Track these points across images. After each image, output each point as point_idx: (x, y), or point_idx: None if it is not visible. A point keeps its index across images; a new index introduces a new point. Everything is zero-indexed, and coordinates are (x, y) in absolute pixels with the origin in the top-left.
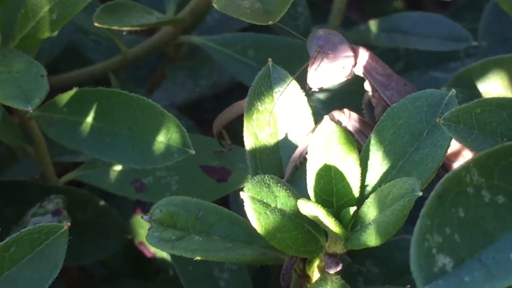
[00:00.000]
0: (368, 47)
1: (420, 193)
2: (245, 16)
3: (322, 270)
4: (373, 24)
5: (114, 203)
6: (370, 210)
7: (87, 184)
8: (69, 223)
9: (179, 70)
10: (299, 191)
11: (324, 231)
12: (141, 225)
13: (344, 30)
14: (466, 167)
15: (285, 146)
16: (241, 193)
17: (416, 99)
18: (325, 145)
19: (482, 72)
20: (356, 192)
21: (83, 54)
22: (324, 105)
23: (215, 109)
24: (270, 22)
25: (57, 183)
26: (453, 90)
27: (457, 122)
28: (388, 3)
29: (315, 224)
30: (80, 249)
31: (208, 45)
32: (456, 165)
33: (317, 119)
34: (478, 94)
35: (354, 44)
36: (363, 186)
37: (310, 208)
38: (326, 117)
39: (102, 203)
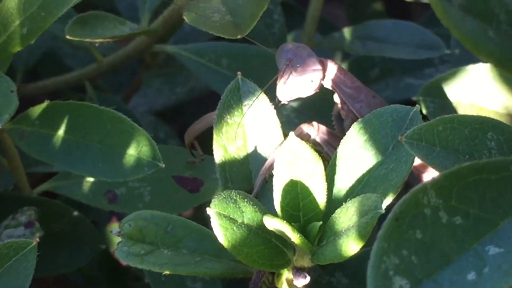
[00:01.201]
0: (344, 54)
1: (383, 211)
2: (214, 30)
3: (290, 283)
4: (347, 32)
5: (90, 211)
6: (335, 226)
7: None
8: (37, 239)
9: (156, 78)
10: (269, 204)
11: (291, 245)
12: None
13: (321, 36)
14: (423, 188)
15: (254, 159)
16: (207, 209)
17: (381, 115)
18: (290, 161)
19: (453, 81)
20: (322, 207)
21: (61, 61)
22: (297, 113)
23: (195, 113)
24: (239, 36)
25: (31, 194)
26: (417, 106)
27: (419, 139)
28: (368, 5)
29: (282, 239)
30: (55, 259)
31: (182, 54)
32: (426, 175)
33: (290, 127)
34: (449, 103)
35: (330, 51)
36: (329, 201)
37: (275, 224)
38: (291, 133)
39: (76, 213)
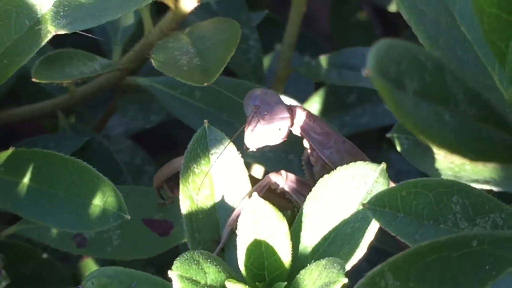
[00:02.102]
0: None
1: (346, 280)
2: (181, 76)
3: None
4: (323, 60)
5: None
6: None
7: None
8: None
9: (130, 103)
10: (236, 256)
11: None
12: (89, 269)
13: (299, 56)
14: (380, 271)
15: (222, 208)
16: (169, 272)
17: (347, 172)
18: (254, 221)
19: None
20: (287, 265)
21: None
22: (271, 147)
23: (178, 126)
24: (205, 84)
25: None
26: (383, 163)
27: (383, 206)
28: (352, 15)
29: None
30: None
31: (153, 87)
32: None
33: (265, 161)
34: (423, 140)
35: (307, 79)
36: (295, 258)
37: None
38: (254, 193)
39: (44, 255)
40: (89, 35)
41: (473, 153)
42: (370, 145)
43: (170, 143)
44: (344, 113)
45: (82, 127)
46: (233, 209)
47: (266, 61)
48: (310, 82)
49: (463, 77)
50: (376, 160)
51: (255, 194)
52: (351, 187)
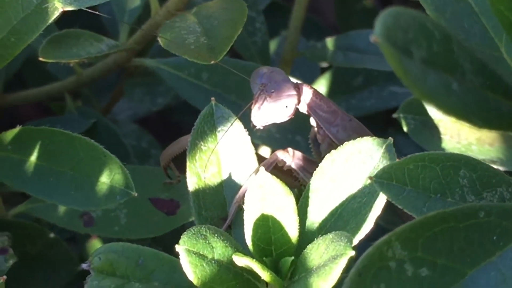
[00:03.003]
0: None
1: (353, 253)
2: (188, 55)
3: None
4: (329, 42)
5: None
6: (307, 262)
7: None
8: (5, 276)
9: (137, 87)
10: (243, 233)
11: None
12: None
13: (305, 40)
14: (387, 241)
15: (229, 186)
16: (176, 246)
17: (354, 148)
18: (261, 196)
19: None
20: (294, 241)
21: (44, 67)
22: (278, 128)
23: (184, 111)
24: (212, 62)
25: (5, 216)
26: (390, 138)
27: (390, 179)
28: (358, 2)
29: (253, 273)
30: (30, 282)
31: (160, 68)
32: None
33: (271, 142)
34: (430, 120)
35: (310, 62)
36: (302, 234)
37: (245, 262)
38: (261, 168)
39: (52, 235)
40: (96, 12)
41: (481, 120)
42: (376, 129)
43: (176, 129)
44: (351, 96)
45: (89, 109)
46: (240, 187)
47: (273, 45)
48: (316, 66)
49: (470, 47)
50: None
51: (262, 169)
52: (358, 162)
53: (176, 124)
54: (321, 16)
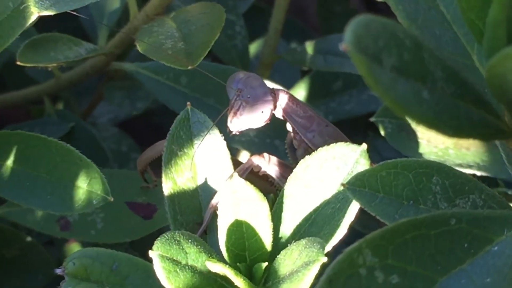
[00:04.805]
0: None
1: (325, 259)
2: (165, 60)
3: None
4: (309, 46)
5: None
6: (281, 269)
7: None
8: None
9: (117, 90)
10: (218, 238)
11: None
12: None
13: (285, 43)
14: (358, 248)
15: (204, 191)
16: (150, 252)
17: (328, 153)
18: (235, 202)
19: None
20: (268, 246)
21: (23, 71)
22: (256, 132)
23: (166, 113)
24: (190, 67)
25: None
26: (364, 144)
27: (362, 186)
28: (340, 4)
29: (228, 279)
30: (7, 286)
31: (139, 72)
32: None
33: (250, 147)
34: (407, 124)
35: (292, 65)
36: (276, 239)
37: (219, 268)
38: (235, 174)
39: (28, 239)
40: (75, 13)
41: (451, 129)
42: (356, 132)
43: (157, 132)
44: (330, 100)
45: (68, 113)
46: (215, 192)
47: (253, 48)
48: (296, 70)
49: (442, 55)
50: None
51: (235, 175)
52: (332, 168)
53: (158, 126)
54: (305, 18)
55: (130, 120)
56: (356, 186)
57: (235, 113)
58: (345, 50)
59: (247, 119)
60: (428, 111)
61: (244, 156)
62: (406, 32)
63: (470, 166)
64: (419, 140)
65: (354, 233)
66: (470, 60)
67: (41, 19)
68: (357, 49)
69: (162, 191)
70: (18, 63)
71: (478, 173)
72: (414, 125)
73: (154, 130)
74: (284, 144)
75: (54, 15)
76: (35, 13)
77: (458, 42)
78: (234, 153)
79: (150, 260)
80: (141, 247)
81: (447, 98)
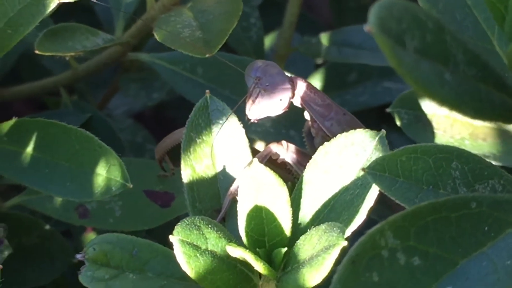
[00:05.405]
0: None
1: (345, 243)
2: (183, 48)
3: None
4: (324, 37)
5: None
6: (300, 253)
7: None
8: (1, 266)
9: (132, 82)
10: (237, 225)
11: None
12: None
13: (300, 36)
14: (380, 229)
15: (223, 178)
16: (170, 236)
17: (347, 140)
18: (254, 187)
19: None
20: (288, 232)
21: (39, 62)
22: (272, 123)
23: (179, 107)
24: (208, 55)
25: (1, 208)
26: (383, 130)
27: (382, 170)
28: None
29: (247, 264)
30: (26, 274)
31: (156, 63)
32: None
33: (266, 137)
34: (423, 115)
35: (305, 57)
36: (295, 225)
37: (239, 253)
38: (255, 159)
39: (47, 227)
40: (95, 0)
41: (473, 111)
42: (370, 125)
43: (170, 125)
44: (344, 92)
45: (84, 104)
46: (234, 179)
47: (267, 41)
48: (310, 62)
49: (463, 38)
50: None
51: (256, 160)
52: (351, 154)
53: (170, 120)
54: (316, 14)
55: (143, 114)
56: (376, 170)
57: (253, 101)
58: (369, 31)
59: (266, 107)
60: (450, 92)
61: (259, 146)
62: (428, 14)
63: (486, 157)
64: (435, 131)
65: (370, 222)
66: (491, 45)
67: (57, 10)
68: (381, 31)
69: (179, 180)
70: (37, 52)
71: (495, 164)
72: (430, 115)
73: (166, 124)
74: (301, 134)
75: (70, 7)
76: (55, 0)
77: (478, 26)
78: (249, 143)
79: (169, 247)
80: (158, 235)
81: (468, 80)
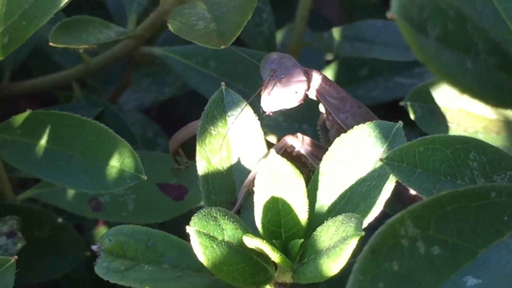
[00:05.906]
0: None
1: (363, 233)
2: (198, 40)
3: None
4: (336, 32)
5: (75, 215)
6: (316, 244)
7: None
8: (16, 256)
9: (144, 77)
10: (253, 217)
11: (273, 261)
12: None
13: (311, 32)
14: (400, 219)
15: (238, 171)
16: (187, 227)
17: (363, 131)
18: (271, 178)
19: (441, 86)
20: (304, 223)
21: (50, 57)
22: (285, 116)
23: (189, 103)
24: (223, 47)
25: (14, 201)
26: (400, 122)
27: (400, 161)
28: None
29: (263, 255)
30: (38, 267)
31: (168, 56)
32: None
33: (278, 131)
34: (437, 108)
35: (316, 52)
36: (311, 217)
37: (256, 243)
38: (272, 150)
39: (59, 220)
40: None
41: (495, 99)
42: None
43: (180, 121)
44: (356, 86)
45: (96, 97)
46: (249, 171)
47: (278, 37)
48: (321, 57)
49: (484, 27)
50: None
51: (272, 151)
52: (367, 146)
53: (180, 116)
54: (326, 12)
55: (152, 110)
56: (394, 161)
57: (269, 93)
58: (391, 19)
59: (281, 99)
60: (472, 80)
61: (272, 140)
62: (449, 3)
63: None
64: (449, 124)
65: (384, 216)
66: (510, 35)
67: (70, 3)
68: (404, 18)
69: (193, 173)
70: (51, 44)
71: None
72: (443, 109)
73: (176, 120)
74: (314, 128)
75: (82, 0)
76: None
77: (498, 16)
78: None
79: (184, 238)
80: (170, 229)
81: (490, 69)
